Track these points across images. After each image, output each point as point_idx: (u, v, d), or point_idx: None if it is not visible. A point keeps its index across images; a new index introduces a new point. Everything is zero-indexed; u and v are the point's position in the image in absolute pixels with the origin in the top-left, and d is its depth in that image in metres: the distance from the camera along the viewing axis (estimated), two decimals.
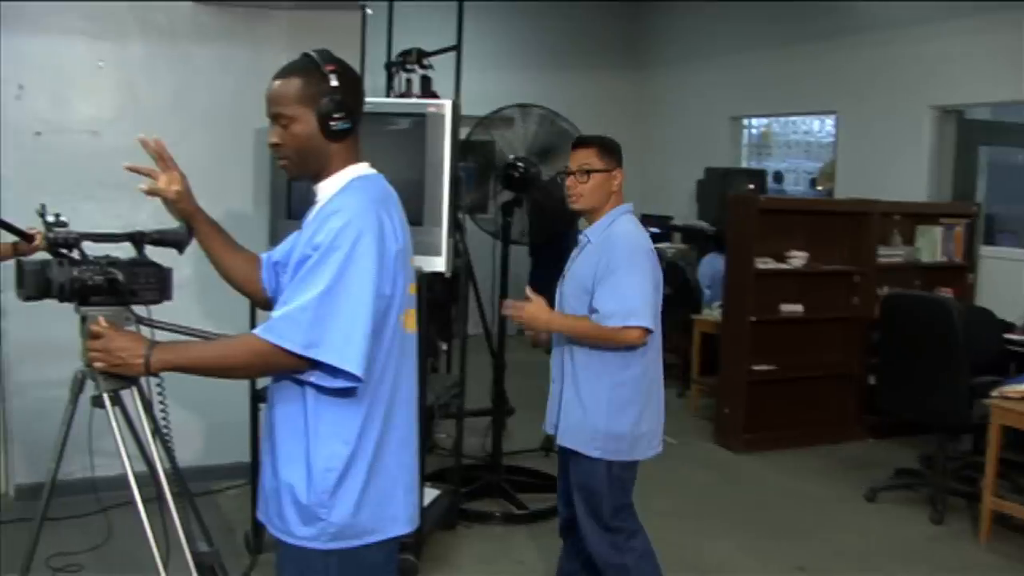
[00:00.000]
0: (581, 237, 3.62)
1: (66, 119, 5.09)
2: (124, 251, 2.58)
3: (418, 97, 5.28)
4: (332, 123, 2.21)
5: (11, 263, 2.77)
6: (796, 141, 10.38)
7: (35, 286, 2.45)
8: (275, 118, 2.25)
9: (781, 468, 6.34)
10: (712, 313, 7.56)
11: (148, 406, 2.66)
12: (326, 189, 2.29)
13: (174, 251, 2.64)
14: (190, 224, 2.47)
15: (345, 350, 2.09)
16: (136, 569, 3.04)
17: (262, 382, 3.76)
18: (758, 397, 6.70)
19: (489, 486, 5.42)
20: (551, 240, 5.72)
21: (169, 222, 2.61)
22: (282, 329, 2.09)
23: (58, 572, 4.23)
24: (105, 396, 2.53)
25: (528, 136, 5.34)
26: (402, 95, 5.37)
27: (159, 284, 2.60)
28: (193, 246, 2.62)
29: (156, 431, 2.72)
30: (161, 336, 2.36)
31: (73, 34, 5.05)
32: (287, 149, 2.26)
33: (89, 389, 2.56)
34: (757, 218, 6.61)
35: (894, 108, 8.07)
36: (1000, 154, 8.63)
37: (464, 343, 5.31)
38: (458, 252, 5.00)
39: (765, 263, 6.71)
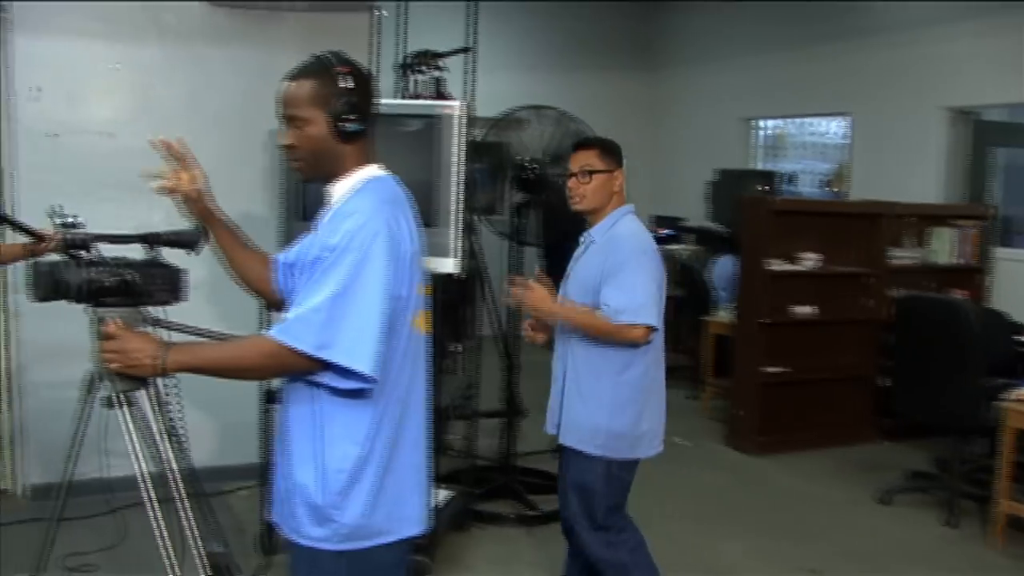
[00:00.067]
0: (584, 237, 3.63)
1: (82, 121, 5.11)
2: (138, 252, 2.59)
3: (430, 99, 5.27)
4: (345, 125, 2.22)
5: (24, 264, 2.79)
6: (809, 143, 10.33)
7: (49, 287, 2.46)
8: (288, 120, 2.25)
9: (794, 470, 6.32)
10: (725, 315, 7.55)
11: (161, 407, 2.67)
12: (339, 191, 2.29)
13: (186, 252, 2.65)
14: (206, 223, 2.48)
15: (358, 351, 2.09)
16: (149, 569, 3.05)
17: (274, 383, 3.77)
18: (771, 399, 6.68)
19: (501, 487, 5.42)
20: (564, 241, 5.69)
21: (183, 223, 2.62)
22: (295, 330, 2.09)
23: (72, 572, 4.24)
24: (118, 397, 2.54)
25: (541, 137, 5.34)
26: (414, 97, 5.37)
27: (172, 285, 2.61)
28: (206, 247, 2.63)
29: (169, 432, 2.73)
30: (174, 337, 2.37)
31: (89, 37, 5.07)
32: (300, 151, 2.26)
33: (103, 390, 2.57)
34: (770, 220, 6.59)
35: (908, 109, 8.05)
36: (1015, 155, 8.57)
37: (477, 345, 5.31)
38: (471, 254, 5.00)
39: (778, 265, 6.69)
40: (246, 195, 5.19)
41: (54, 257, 2.58)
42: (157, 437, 2.74)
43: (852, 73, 8.63)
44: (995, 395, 5.17)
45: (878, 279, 6.96)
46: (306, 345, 2.08)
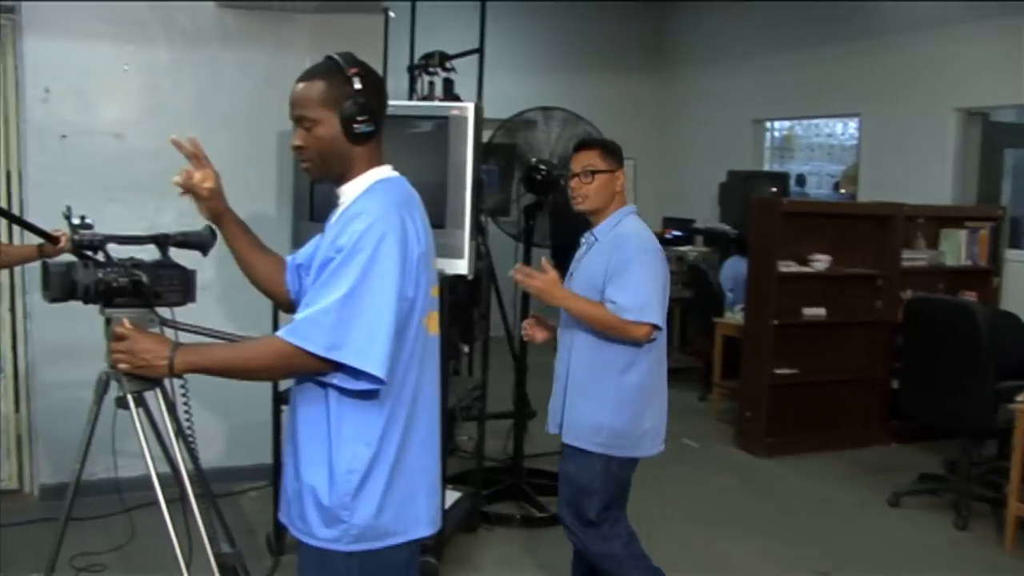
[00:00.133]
0: (586, 237, 3.63)
1: (91, 122, 5.13)
2: (148, 253, 2.59)
3: (441, 100, 5.29)
4: (355, 126, 2.22)
5: (37, 265, 2.79)
6: (819, 144, 10.34)
7: (60, 288, 2.46)
8: (298, 121, 2.26)
9: (803, 472, 6.31)
10: (734, 316, 7.53)
11: (172, 407, 2.67)
12: (349, 192, 2.29)
13: (198, 253, 2.65)
14: (218, 223, 2.48)
15: (368, 352, 2.09)
16: (159, 569, 3.06)
17: (284, 384, 3.77)
18: (780, 401, 6.67)
19: (510, 489, 5.42)
20: (573, 243, 5.71)
21: (193, 224, 2.62)
22: (305, 331, 2.09)
23: (82, 572, 4.26)
24: (129, 397, 2.54)
25: (551, 139, 5.34)
26: (425, 98, 5.38)
27: (183, 286, 2.61)
28: (216, 248, 2.63)
29: (179, 432, 2.73)
30: (185, 338, 2.37)
31: (99, 38, 5.09)
32: (310, 152, 2.26)
33: (113, 390, 2.58)
34: (780, 221, 6.59)
35: (918, 110, 8.03)
36: None
37: (486, 346, 5.31)
38: (480, 255, 5.01)
39: (788, 266, 6.68)
40: (255, 196, 5.20)
41: (66, 258, 2.58)
42: (168, 437, 2.74)
43: (862, 74, 8.61)
44: (1006, 398, 5.15)
45: (888, 281, 6.94)
46: (316, 346, 2.08)
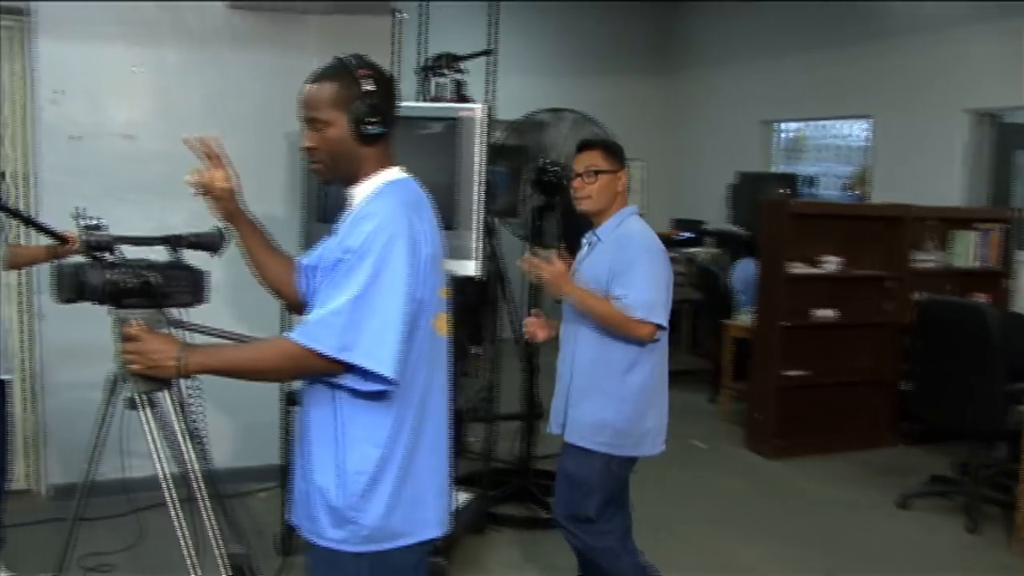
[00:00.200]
0: (588, 237, 3.64)
1: (102, 123, 5.14)
2: (159, 254, 2.60)
3: (450, 101, 5.28)
4: (365, 127, 2.22)
5: (47, 266, 2.80)
6: (829, 145, 10.29)
7: (71, 288, 2.46)
8: (308, 122, 2.26)
9: (812, 474, 6.30)
10: (744, 318, 7.53)
11: (181, 408, 2.67)
12: (359, 193, 2.29)
13: (208, 254, 2.66)
14: (232, 223, 2.49)
15: (378, 353, 2.09)
16: (168, 570, 3.06)
17: (294, 385, 3.77)
18: (790, 402, 6.66)
19: (519, 490, 5.42)
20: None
21: (203, 225, 2.63)
22: (315, 332, 2.10)
23: (91, 572, 4.27)
24: (139, 398, 2.55)
25: (560, 140, 5.34)
26: (434, 99, 5.38)
27: (193, 287, 2.62)
28: (227, 249, 2.64)
29: (190, 433, 2.74)
30: (195, 339, 2.38)
31: (110, 40, 5.10)
32: (320, 153, 2.27)
33: (124, 391, 2.58)
34: (790, 222, 6.58)
35: (929, 112, 8.00)
36: None
37: (495, 347, 5.31)
38: (490, 256, 5.00)
39: (797, 268, 6.67)
40: (266, 197, 5.19)
41: (77, 259, 2.59)
42: (178, 438, 2.75)
43: (873, 75, 8.59)
44: (1016, 399, 5.14)
45: (899, 282, 6.93)
46: (327, 347, 2.08)
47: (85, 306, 2.53)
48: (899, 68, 8.30)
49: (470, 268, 4.07)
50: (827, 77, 9.14)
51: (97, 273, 2.47)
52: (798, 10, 9.34)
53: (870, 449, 6.84)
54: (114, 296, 2.48)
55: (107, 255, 2.52)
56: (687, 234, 10.21)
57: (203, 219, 2.54)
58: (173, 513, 2.57)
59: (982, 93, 7.56)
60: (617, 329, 3.39)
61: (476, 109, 4.08)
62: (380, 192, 2.26)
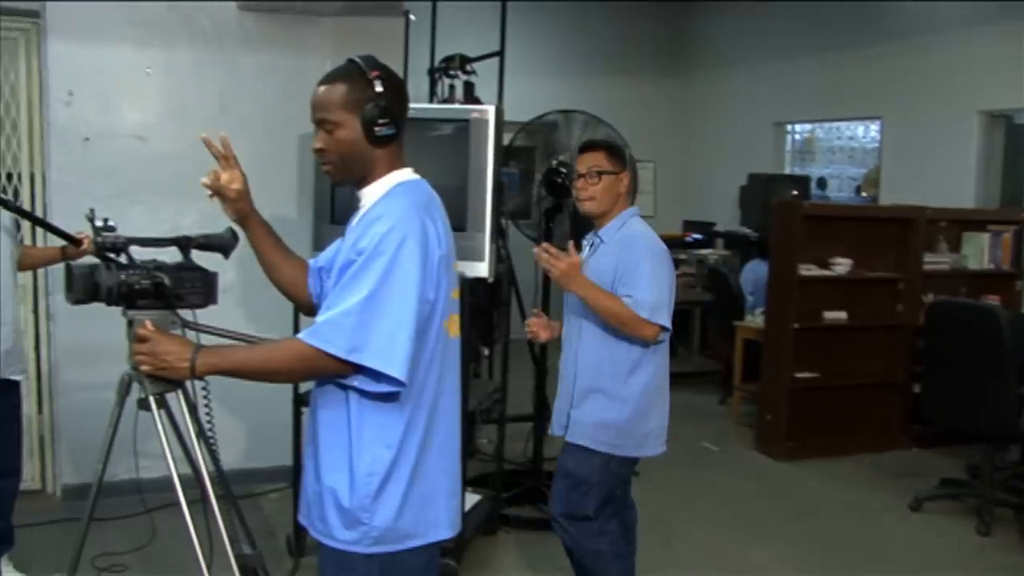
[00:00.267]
0: (590, 238, 3.64)
1: (114, 125, 5.16)
2: (170, 255, 2.61)
3: (461, 103, 5.29)
4: (376, 129, 2.22)
5: (59, 267, 2.81)
6: (840, 147, 10.30)
7: (84, 290, 2.47)
8: (320, 124, 2.26)
9: (823, 476, 6.28)
10: (755, 320, 7.52)
11: (193, 409, 2.68)
12: (370, 194, 2.29)
13: (219, 255, 2.66)
14: (244, 224, 2.49)
15: (389, 355, 2.09)
16: (179, 570, 3.07)
17: (305, 386, 3.78)
18: (801, 404, 6.64)
19: (530, 491, 5.42)
20: None
21: (215, 226, 2.63)
22: (326, 333, 2.10)
23: (103, 572, 4.28)
24: (151, 399, 2.55)
25: (571, 141, 5.34)
26: (445, 101, 5.39)
27: (205, 288, 2.62)
28: (237, 250, 2.64)
29: (201, 434, 2.74)
30: (206, 340, 2.38)
31: (122, 41, 5.12)
32: (331, 154, 2.27)
33: (135, 392, 2.59)
34: (801, 224, 6.56)
35: (941, 113, 7.98)
36: None
37: (506, 348, 5.31)
38: (501, 257, 5.01)
39: (809, 269, 6.66)
40: (276, 199, 5.20)
41: (89, 260, 2.59)
42: (189, 439, 2.75)
43: (884, 77, 8.57)
44: None
45: (910, 284, 6.91)
46: (337, 348, 2.08)
47: (96, 307, 2.54)
48: (911, 69, 8.28)
49: (481, 269, 4.08)
50: (839, 79, 9.13)
51: (110, 274, 2.47)
52: (810, 11, 9.33)
53: (881, 451, 6.82)
54: (126, 297, 2.48)
55: (119, 256, 2.52)
56: (697, 236, 10.20)
57: (214, 220, 2.55)
58: (184, 514, 2.57)
59: (994, 94, 7.54)
60: (624, 326, 3.38)
61: (487, 110, 4.08)
62: (391, 194, 2.27)
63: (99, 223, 2.52)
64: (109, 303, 2.50)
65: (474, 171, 4.04)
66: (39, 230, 4.82)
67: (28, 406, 5.01)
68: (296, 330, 3.72)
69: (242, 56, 5.34)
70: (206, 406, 2.71)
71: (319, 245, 4.01)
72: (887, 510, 5.67)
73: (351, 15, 5.41)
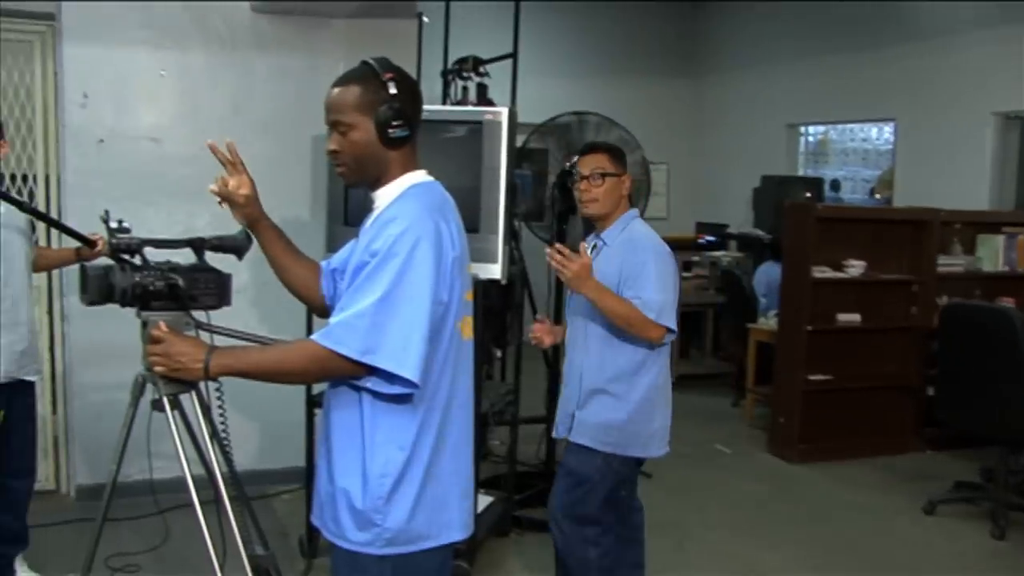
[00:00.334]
0: (592, 240, 3.63)
1: (129, 127, 5.18)
2: (184, 257, 2.61)
3: (474, 104, 5.29)
4: (390, 130, 2.22)
5: (74, 268, 2.82)
6: (854, 149, 10.26)
7: (98, 291, 2.48)
8: (333, 125, 2.27)
9: (837, 479, 6.26)
10: (768, 322, 7.50)
11: (206, 410, 2.68)
12: (384, 196, 2.29)
13: (233, 257, 2.67)
14: (254, 229, 2.50)
15: (402, 356, 2.09)
16: (192, 571, 3.08)
17: (318, 387, 3.79)
18: (814, 407, 6.63)
19: (543, 493, 5.39)
20: None
21: (228, 228, 2.64)
22: (340, 335, 2.10)
23: (117, 572, 4.29)
24: (165, 400, 2.56)
25: (584, 143, 5.34)
26: (458, 102, 5.39)
27: (219, 289, 2.62)
28: (251, 252, 2.65)
29: (214, 435, 2.74)
30: (219, 341, 2.39)
31: (136, 44, 5.14)
32: (345, 156, 2.27)
33: (149, 393, 2.60)
34: (814, 226, 6.55)
35: (955, 115, 7.96)
36: None
37: (519, 350, 5.31)
38: (514, 259, 5.01)
39: (822, 272, 6.64)
40: (290, 200, 5.22)
41: (103, 261, 2.60)
42: (202, 440, 2.76)
43: (898, 78, 8.55)
44: None
45: (923, 287, 6.88)
46: (351, 350, 2.09)
47: (110, 308, 2.54)
48: (925, 71, 8.25)
49: (494, 271, 4.08)
50: (852, 80, 9.11)
51: (124, 276, 2.48)
52: (823, 13, 9.31)
53: (895, 454, 6.80)
54: (141, 299, 2.49)
55: (133, 258, 2.53)
56: (710, 237, 10.19)
57: (228, 222, 2.55)
58: (198, 515, 2.58)
59: (1009, 96, 7.50)
60: (632, 328, 3.38)
61: (500, 112, 4.09)
62: (405, 195, 2.27)
63: (114, 224, 2.53)
64: (123, 304, 2.50)
65: (487, 173, 4.04)
66: (54, 231, 4.85)
67: (42, 407, 5.03)
68: (309, 331, 3.73)
69: (255, 58, 5.36)
70: (219, 407, 2.72)
71: (332, 247, 4.02)
72: (900, 513, 5.65)
73: (364, 17, 5.42)
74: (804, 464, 6.51)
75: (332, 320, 2.16)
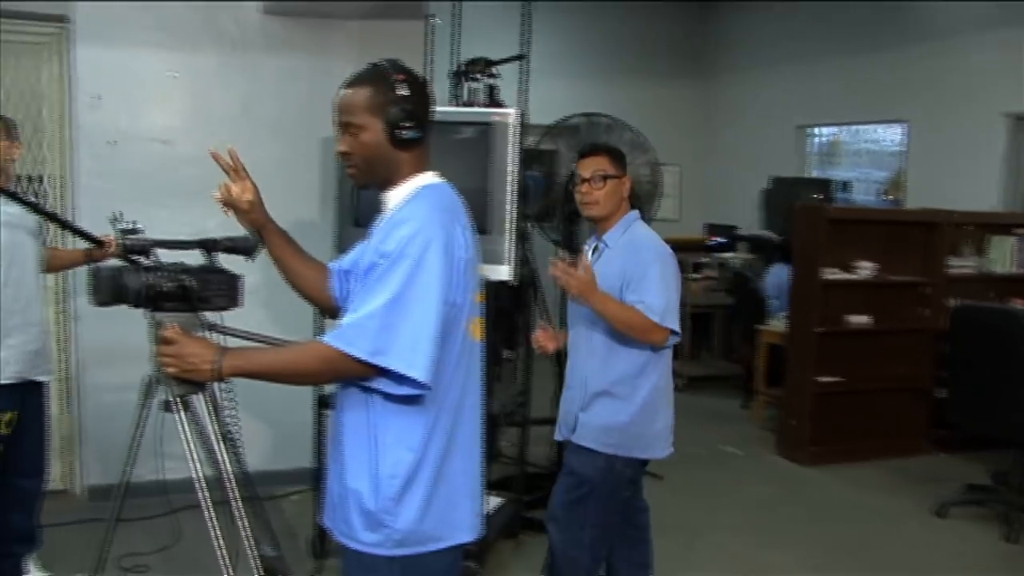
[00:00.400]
0: (593, 242, 3.63)
1: (140, 128, 5.19)
2: (195, 258, 2.62)
3: (484, 106, 5.29)
4: (401, 132, 2.22)
5: (85, 269, 2.83)
6: (864, 150, 10.23)
7: (109, 292, 2.49)
8: (344, 127, 2.27)
9: (847, 481, 6.25)
10: (778, 324, 7.49)
11: (217, 411, 2.69)
12: (394, 197, 2.30)
13: (243, 258, 2.68)
14: (260, 234, 2.50)
15: (412, 357, 2.09)
16: (203, 571, 3.09)
17: (328, 388, 3.79)
18: (824, 409, 6.62)
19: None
20: None
21: (239, 229, 2.65)
22: (350, 336, 2.10)
23: (127, 572, 4.31)
24: (175, 401, 2.57)
25: (584, 145, 5.34)
26: (468, 104, 5.39)
27: (229, 291, 2.63)
28: (263, 253, 2.65)
29: (224, 436, 2.75)
30: (230, 342, 2.39)
31: (148, 46, 5.15)
32: (355, 157, 2.28)
33: (160, 393, 2.60)
34: (824, 228, 6.53)
35: (966, 116, 7.94)
36: None
37: (529, 352, 5.31)
38: (524, 261, 5.01)
39: (832, 273, 6.63)
40: (301, 202, 5.24)
41: (114, 262, 2.61)
42: (213, 441, 2.77)
43: (909, 80, 8.53)
44: None
45: (934, 288, 6.87)
46: (361, 351, 2.09)
47: (120, 309, 2.55)
48: (935, 72, 8.23)
49: (504, 273, 4.08)
50: (862, 81, 9.09)
51: (135, 277, 2.49)
52: (833, 14, 9.29)
53: (905, 456, 6.78)
54: (151, 300, 2.50)
55: (144, 259, 2.54)
56: (720, 239, 10.17)
57: (238, 224, 2.56)
58: (208, 515, 2.59)
59: (1021, 97, 7.47)
60: (634, 332, 3.38)
61: (509, 114, 4.09)
62: (415, 196, 2.27)
63: (124, 225, 2.54)
64: (135, 305, 2.51)
65: (496, 174, 4.04)
66: (64, 232, 4.86)
67: (54, 407, 5.04)
68: (320, 331, 3.73)
69: (266, 60, 5.37)
70: (230, 408, 2.73)
71: (342, 248, 4.02)
72: (911, 516, 5.64)
73: (374, 18, 5.43)
74: (814, 466, 6.50)
75: (342, 321, 2.17)
